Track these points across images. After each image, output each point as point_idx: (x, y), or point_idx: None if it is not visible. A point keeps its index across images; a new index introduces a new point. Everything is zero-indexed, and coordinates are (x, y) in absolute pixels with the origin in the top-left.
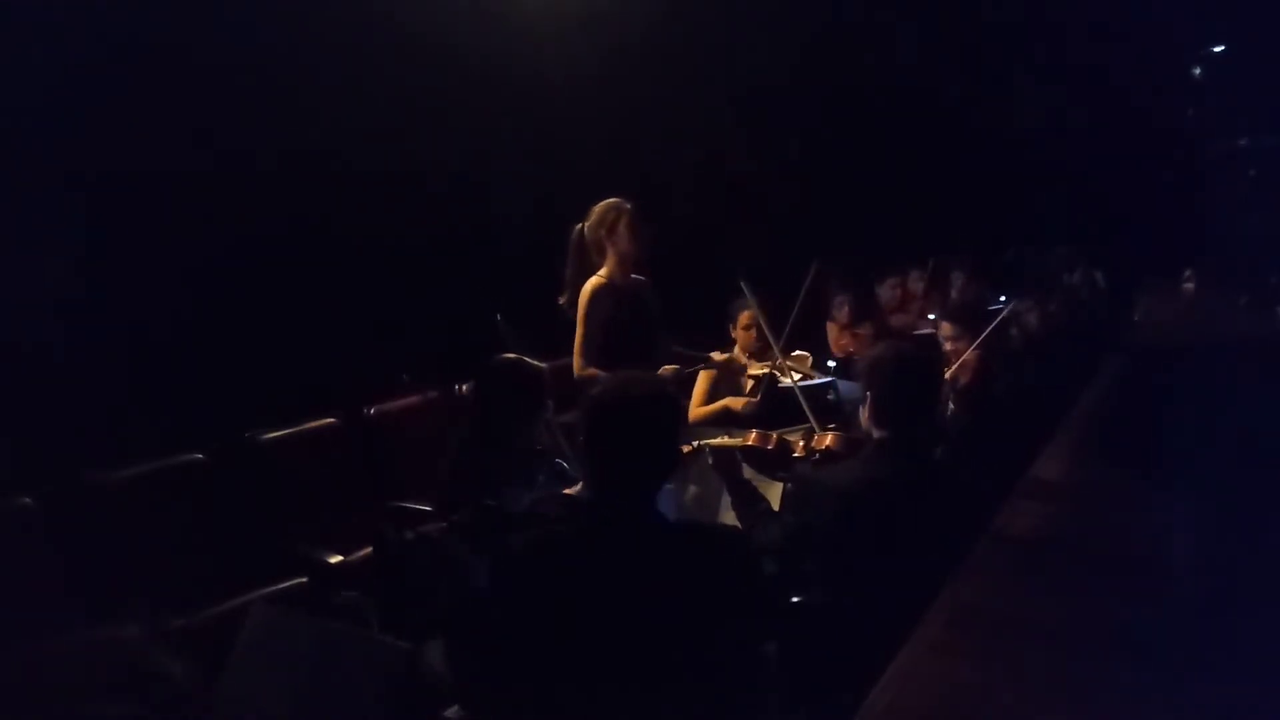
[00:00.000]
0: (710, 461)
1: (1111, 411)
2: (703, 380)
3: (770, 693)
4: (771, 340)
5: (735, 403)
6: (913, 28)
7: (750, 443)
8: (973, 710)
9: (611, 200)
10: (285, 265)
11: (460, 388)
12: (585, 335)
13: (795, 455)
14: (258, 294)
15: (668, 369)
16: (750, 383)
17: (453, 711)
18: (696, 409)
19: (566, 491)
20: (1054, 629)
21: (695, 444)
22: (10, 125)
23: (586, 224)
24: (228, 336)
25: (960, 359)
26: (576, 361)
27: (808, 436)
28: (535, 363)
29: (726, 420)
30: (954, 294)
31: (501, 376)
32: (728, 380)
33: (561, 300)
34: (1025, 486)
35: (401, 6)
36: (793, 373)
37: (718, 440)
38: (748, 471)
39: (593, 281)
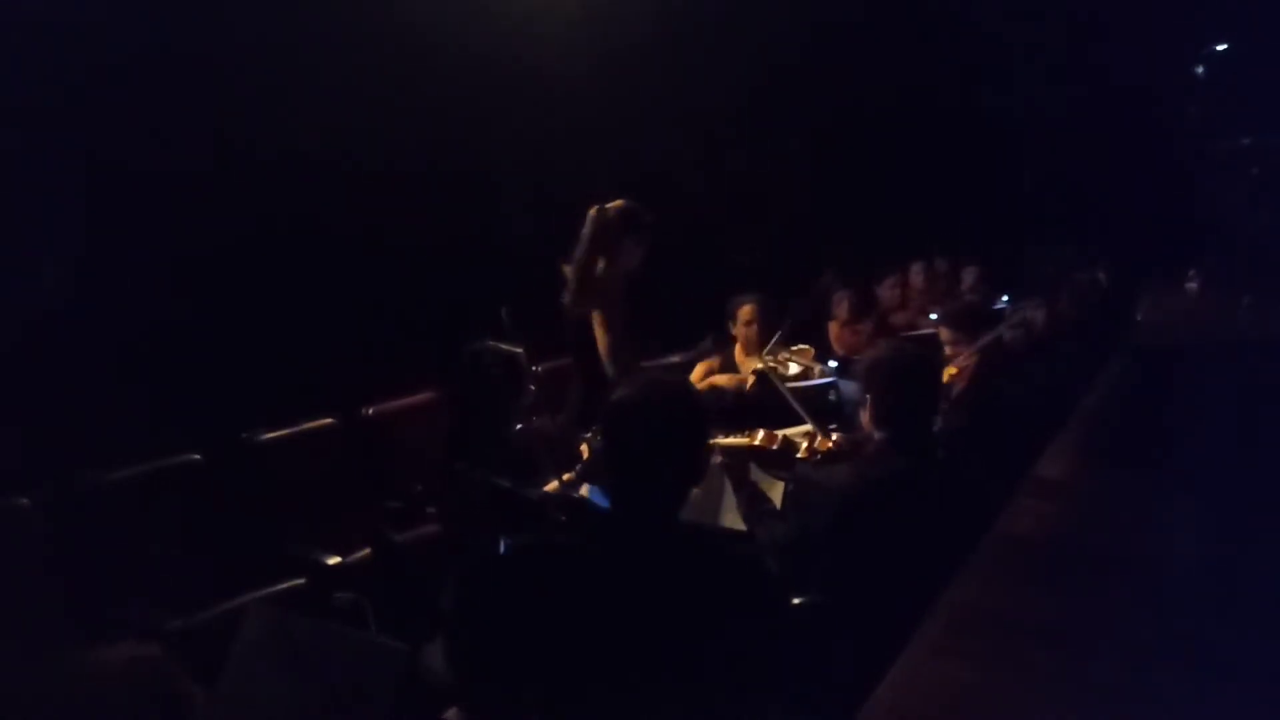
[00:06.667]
0: (719, 460)
1: (1114, 411)
2: (702, 368)
3: (773, 695)
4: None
5: (723, 379)
6: (915, 26)
7: (757, 443)
8: (974, 711)
9: (643, 211)
10: (283, 265)
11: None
12: (611, 342)
13: (799, 456)
14: (256, 294)
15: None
16: (751, 378)
17: (452, 712)
18: None
19: (566, 477)
20: (1055, 630)
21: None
22: (8, 126)
23: (610, 216)
24: (225, 336)
25: (958, 364)
26: (607, 367)
27: (811, 437)
28: (509, 348)
29: (714, 397)
30: (964, 290)
31: (477, 363)
32: (728, 369)
33: None
34: (1028, 486)
35: (400, 5)
36: (794, 365)
37: (727, 440)
38: (754, 472)
39: (602, 285)
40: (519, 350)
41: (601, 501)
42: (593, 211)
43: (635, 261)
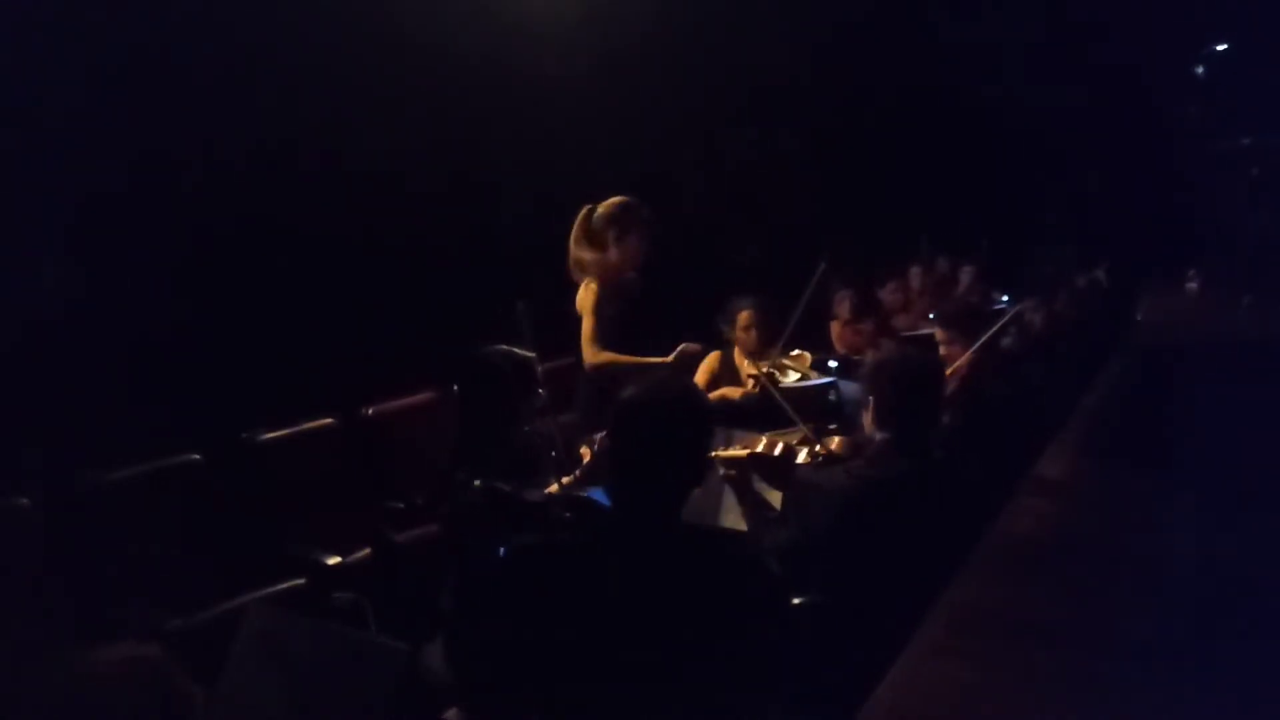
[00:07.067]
0: (720, 471)
1: (1114, 411)
2: (702, 371)
3: (773, 695)
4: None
5: (733, 392)
6: (914, 26)
7: (759, 450)
8: (974, 711)
9: (630, 201)
10: (283, 265)
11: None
12: (598, 329)
13: (799, 462)
14: (256, 294)
15: (690, 348)
16: (750, 382)
17: (452, 712)
18: None
19: (566, 480)
20: (1055, 629)
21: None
22: (8, 126)
23: (598, 211)
24: (225, 336)
25: (953, 364)
26: (587, 350)
27: (811, 442)
28: (523, 352)
29: (724, 409)
30: (960, 291)
31: (490, 367)
32: (728, 372)
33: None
34: (1027, 485)
35: (400, 5)
36: (791, 372)
37: (729, 451)
38: (756, 480)
39: (594, 285)
40: (532, 355)
41: (605, 502)
42: (583, 211)
43: (631, 255)
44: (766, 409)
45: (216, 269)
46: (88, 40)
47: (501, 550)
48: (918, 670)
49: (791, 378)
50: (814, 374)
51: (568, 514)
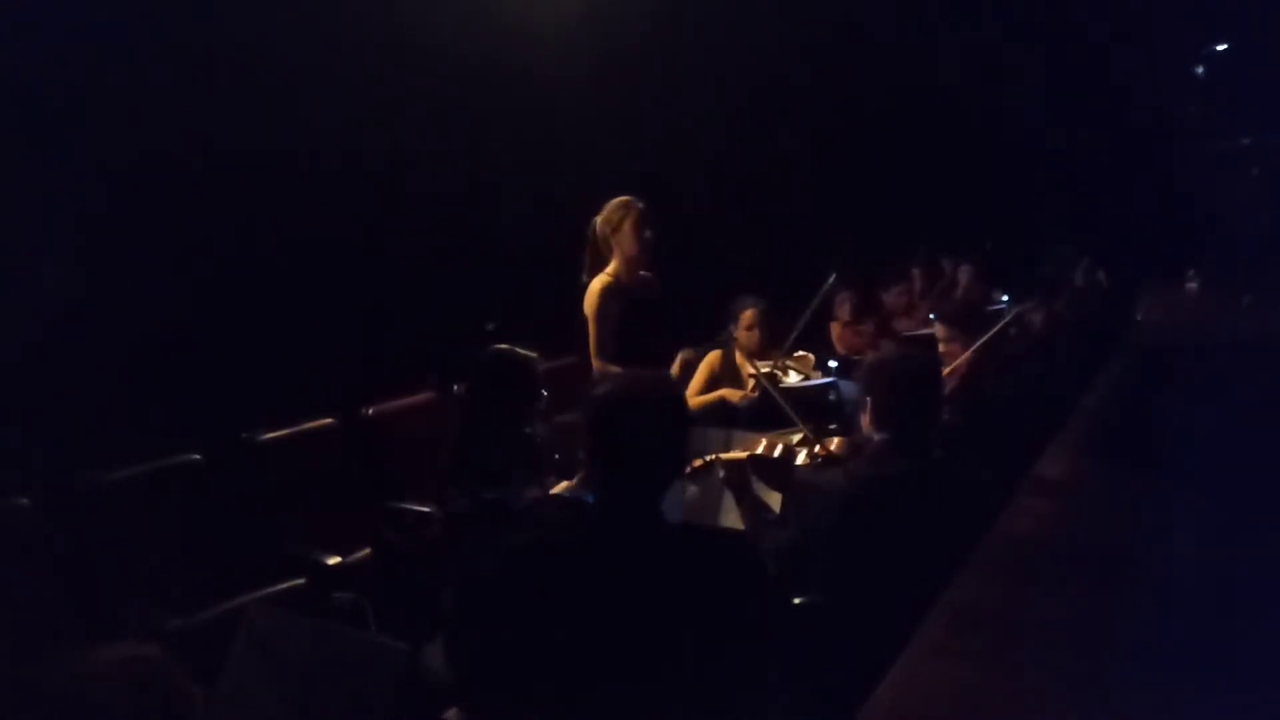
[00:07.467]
0: (721, 475)
1: (1114, 411)
2: (703, 370)
3: (773, 695)
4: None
5: (732, 394)
6: (914, 26)
7: (757, 452)
8: (974, 711)
9: (622, 199)
10: (283, 265)
11: (459, 387)
12: (598, 335)
13: (800, 463)
14: (255, 294)
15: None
16: (751, 381)
17: (452, 712)
18: (693, 398)
19: (563, 486)
20: (1055, 630)
21: (706, 459)
22: (9, 126)
23: (599, 218)
24: (225, 336)
25: (953, 362)
26: (595, 362)
27: (811, 444)
28: (526, 353)
29: (722, 411)
30: (959, 292)
31: (492, 368)
32: (728, 372)
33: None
34: (1028, 486)
35: (400, 5)
36: (793, 373)
37: (728, 455)
38: (755, 483)
39: (600, 280)
40: (534, 355)
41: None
42: (593, 220)
43: (630, 247)
44: (766, 410)
45: (216, 269)
46: (88, 41)
47: (497, 550)
48: (918, 670)
49: (793, 378)
50: (817, 374)
51: (558, 514)
